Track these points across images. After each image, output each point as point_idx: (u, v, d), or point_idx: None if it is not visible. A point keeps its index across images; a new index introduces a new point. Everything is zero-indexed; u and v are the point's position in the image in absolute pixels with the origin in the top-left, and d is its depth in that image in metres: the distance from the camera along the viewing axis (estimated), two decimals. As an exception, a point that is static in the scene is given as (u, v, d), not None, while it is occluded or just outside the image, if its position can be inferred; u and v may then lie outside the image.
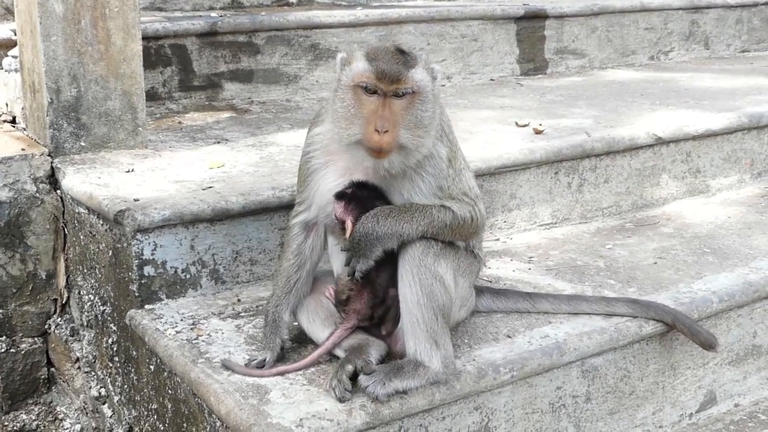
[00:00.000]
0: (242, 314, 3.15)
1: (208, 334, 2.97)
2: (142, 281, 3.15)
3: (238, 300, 3.26)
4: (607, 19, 6.61)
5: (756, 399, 3.54)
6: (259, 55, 5.22)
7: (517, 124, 4.49)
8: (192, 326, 3.03)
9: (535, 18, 6.26)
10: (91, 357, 3.71)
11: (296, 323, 2.92)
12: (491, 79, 6.09)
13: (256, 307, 3.21)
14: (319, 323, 2.85)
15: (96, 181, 3.50)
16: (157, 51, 4.87)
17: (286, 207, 3.36)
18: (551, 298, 3.19)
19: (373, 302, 2.75)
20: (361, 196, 2.68)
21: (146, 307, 3.17)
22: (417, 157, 2.63)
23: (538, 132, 4.28)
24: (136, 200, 3.21)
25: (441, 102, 2.77)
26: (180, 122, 4.62)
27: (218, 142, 4.20)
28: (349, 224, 2.67)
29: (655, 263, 3.67)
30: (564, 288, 3.39)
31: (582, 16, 6.48)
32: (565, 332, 3.01)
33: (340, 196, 2.70)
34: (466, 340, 2.95)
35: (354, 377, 2.60)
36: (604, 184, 4.21)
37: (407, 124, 2.56)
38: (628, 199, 4.31)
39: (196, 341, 2.92)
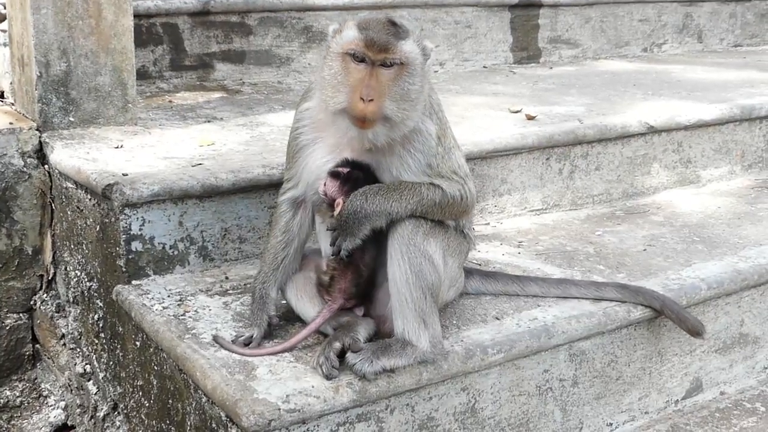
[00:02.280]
0: (230, 291, 3.13)
1: (195, 311, 2.96)
2: (130, 256, 3.13)
3: (226, 277, 3.24)
4: (601, 9, 6.60)
5: (741, 387, 3.55)
6: (252, 36, 5.19)
7: (509, 110, 4.48)
8: (179, 302, 3.01)
9: (529, 6, 6.25)
10: (76, 333, 3.69)
11: (284, 301, 2.91)
12: (484, 66, 6.08)
13: (244, 285, 3.19)
14: (307, 300, 2.83)
15: (84, 156, 3.47)
16: (149, 29, 4.83)
17: (276, 185, 3.32)
18: (540, 282, 3.18)
19: (359, 281, 2.73)
20: (355, 176, 2.67)
21: (133, 282, 3.15)
22: (402, 131, 2.60)
23: (530, 118, 4.27)
24: (124, 175, 3.18)
25: (431, 80, 2.76)
26: (170, 101, 4.59)
27: (209, 121, 4.18)
28: (339, 203, 2.66)
29: (645, 250, 3.67)
30: (553, 272, 3.39)
31: (576, 5, 6.47)
32: (554, 315, 3.00)
33: (335, 174, 2.68)
34: (455, 321, 2.94)
35: (341, 355, 2.59)
36: (595, 171, 4.21)
37: (393, 96, 2.54)
38: (618, 187, 4.31)
39: (183, 317, 2.90)
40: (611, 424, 3.18)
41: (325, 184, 2.67)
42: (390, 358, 2.60)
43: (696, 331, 3.12)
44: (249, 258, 3.37)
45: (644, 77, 5.72)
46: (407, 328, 2.64)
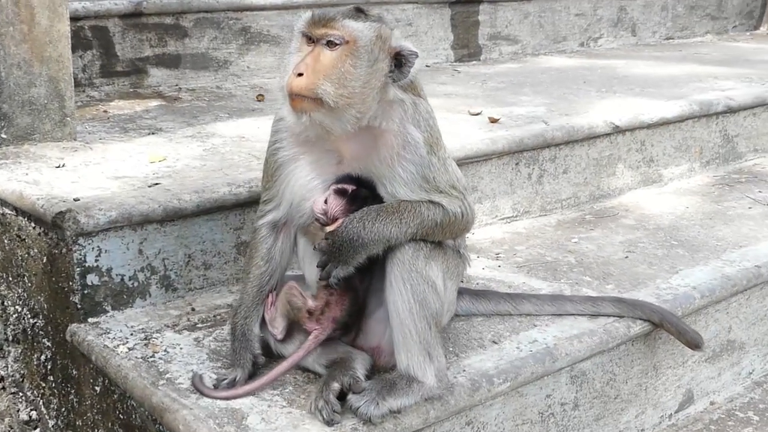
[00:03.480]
0: (199, 325, 2.83)
1: (165, 350, 2.65)
2: (85, 291, 2.79)
3: (192, 309, 2.94)
4: (539, 4, 6.48)
5: (730, 395, 3.44)
6: (187, 39, 4.85)
7: (469, 112, 4.28)
8: (145, 341, 2.70)
9: (469, 2, 6.07)
10: (18, 375, 3.31)
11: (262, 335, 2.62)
12: (426, 66, 5.86)
13: (214, 317, 2.89)
14: (293, 338, 2.56)
15: (24, 178, 3.10)
16: (77, 33, 4.44)
17: (242, 205, 3.06)
18: (534, 299, 2.99)
19: (352, 309, 2.47)
20: (363, 195, 2.42)
21: (90, 320, 2.81)
22: (344, 124, 2.34)
23: (493, 121, 4.08)
24: (76, 200, 2.84)
25: (419, 86, 2.52)
26: (105, 111, 4.22)
27: (153, 133, 3.83)
28: (339, 223, 2.40)
29: (627, 257, 3.52)
30: (540, 287, 3.20)
31: (515, 0, 6.32)
32: (554, 336, 2.81)
33: (341, 192, 2.42)
34: (452, 348, 2.72)
35: (341, 396, 2.34)
36: (563, 174, 4.04)
37: (332, 77, 2.29)
38: (585, 190, 4.16)
39: (152, 359, 2.59)
40: (612, 446, 3.02)
41: (326, 202, 2.40)
42: (396, 398, 2.35)
43: (695, 344, 2.98)
44: (215, 285, 3.07)
45: (590, 73, 5.60)
46: (412, 363, 2.40)
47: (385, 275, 2.42)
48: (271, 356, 2.57)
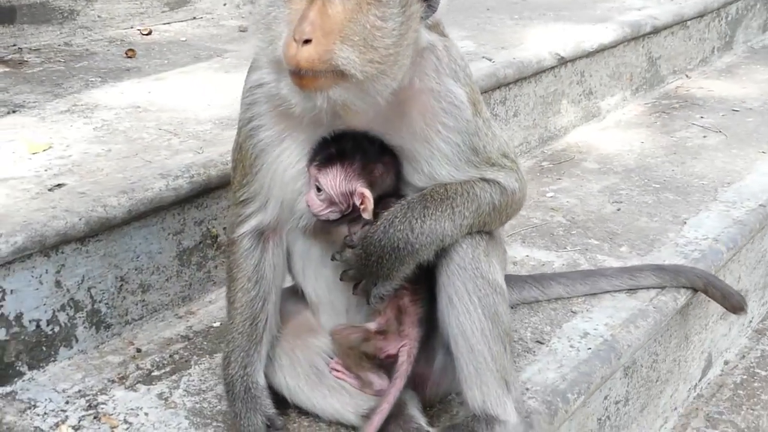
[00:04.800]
0: (156, 373, 2.09)
1: (126, 421, 1.89)
2: (-11, 352, 1.97)
3: (138, 350, 2.18)
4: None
5: (739, 350, 3.10)
6: (21, -15, 3.85)
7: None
8: (92, 411, 1.93)
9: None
10: None
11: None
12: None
13: (170, 356, 2.16)
14: (318, 382, 1.88)
15: None
16: None
17: (182, 202, 2.30)
18: (562, 279, 2.45)
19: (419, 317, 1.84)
20: (366, 149, 1.76)
21: (1, 390, 1.99)
22: (375, 95, 1.65)
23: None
24: (-45, 226, 1.97)
25: (444, 30, 1.87)
26: (-69, 88, 3.21)
27: (13, 111, 2.91)
28: (366, 200, 1.73)
29: (619, 210, 3.06)
30: (548, 258, 2.69)
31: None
32: (605, 324, 2.31)
33: (327, 160, 1.75)
34: (496, 360, 2.13)
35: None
36: (514, 118, 3.50)
37: (353, 37, 1.58)
38: (535, 133, 3.65)
39: (114, 440, 1.84)
40: (660, 438, 2.57)
41: (318, 189, 1.74)
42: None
43: (740, 307, 2.56)
44: (158, 312, 2.31)
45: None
46: (489, 400, 1.80)
47: (439, 288, 1.79)
48: (285, 406, 1.89)
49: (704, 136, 3.81)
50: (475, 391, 1.79)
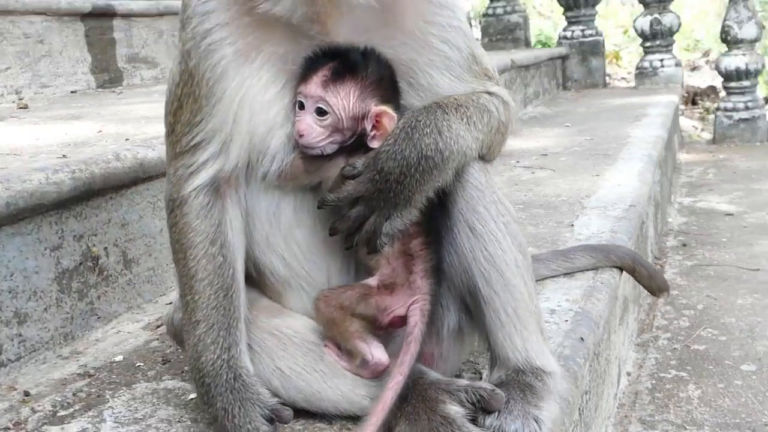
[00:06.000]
0: (61, 412, 1.56)
1: (57, 462, 1.35)
2: None
3: (26, 393, 1.62)
4: (171, 22, 5.60)
5: (633, 362, 3.01)
6: None
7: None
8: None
9: (103, 16, 4.97)
10: None
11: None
12: (72, 92, 4.63)
13: (73, 395, 1.63)
14: (319, 359, 1.47)
15: None
16: None
17: (63, 205, 1.81)
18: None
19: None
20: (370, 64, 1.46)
21: None
22: None
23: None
24: None
25: None
26: None
27: None
28: (386, 120, 1.42)
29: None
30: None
31: (148, 16, 5.37)
32: (566, 300, 2.11)
33: (337, 73, 1.43)
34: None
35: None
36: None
37: None
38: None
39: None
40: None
41: (320, 111, 1.43)
42: (548, 403, 1.44)
43: (665, 287, 2.48)
44: (37, 351, 1.76)
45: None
46: (532, 347, 1.51)
47: (454, 220, 1.50)
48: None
49: (533, 173, 3.83)
50: (515, 339, 1.48)
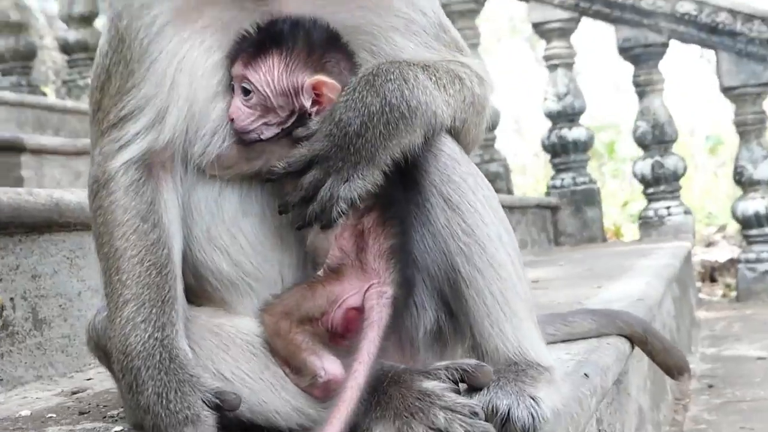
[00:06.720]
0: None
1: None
2: None
3: None
4: (84, 161, 5.77)
5: None
6: None
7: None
8: None
9: (10, 150, 5.12)
10: None
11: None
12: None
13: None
14: (265, 365, 1.49)
15: None
16: None
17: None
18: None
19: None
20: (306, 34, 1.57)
21: None
22: None
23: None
24: None
25: None
26: None
27: None
28: (327, 89, 1.52)
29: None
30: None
31: (62, 154, 5.53)
32: (566, 353, 2.12)
33: (257, 47, 1.55)
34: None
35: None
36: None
37: None
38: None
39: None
40: None
41: (245, 91, 1.54)
42: (544, 386, 1.48)
43: (685, 367, 2.53)
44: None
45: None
46: (525, 338, 1.57)
47: (426, 195, 1.58)
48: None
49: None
50: (504, 326, 1.52)
